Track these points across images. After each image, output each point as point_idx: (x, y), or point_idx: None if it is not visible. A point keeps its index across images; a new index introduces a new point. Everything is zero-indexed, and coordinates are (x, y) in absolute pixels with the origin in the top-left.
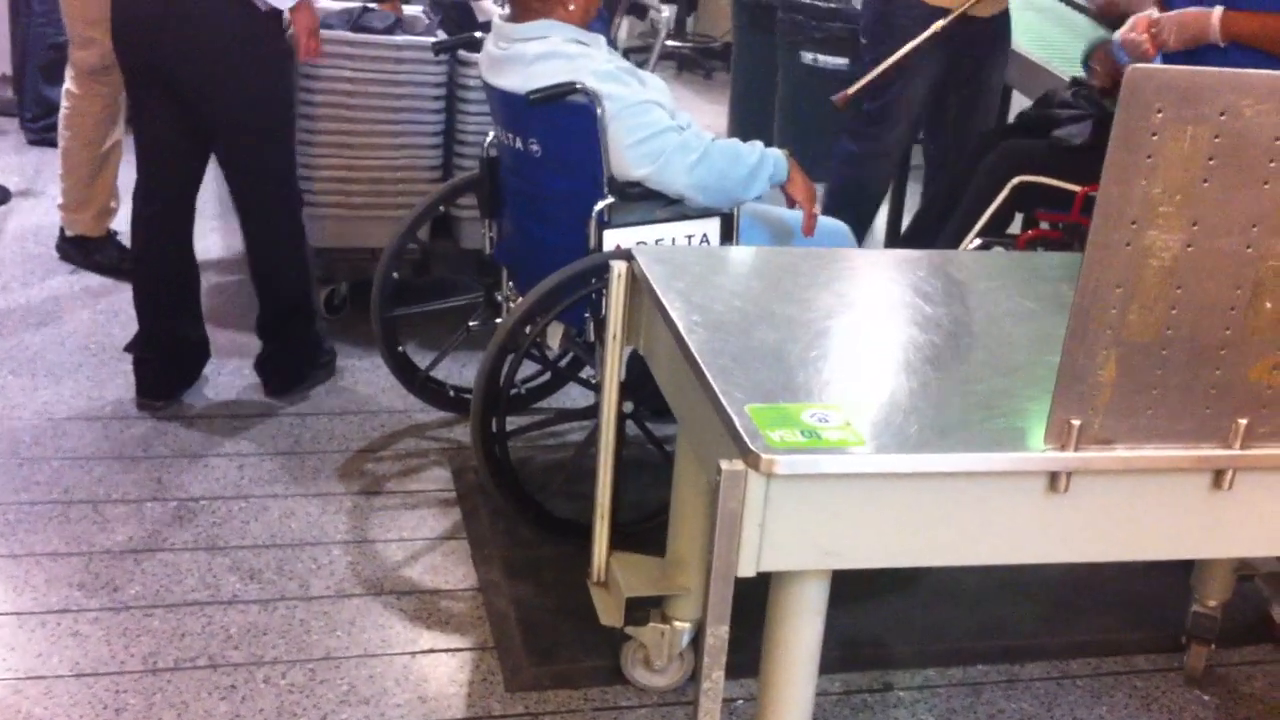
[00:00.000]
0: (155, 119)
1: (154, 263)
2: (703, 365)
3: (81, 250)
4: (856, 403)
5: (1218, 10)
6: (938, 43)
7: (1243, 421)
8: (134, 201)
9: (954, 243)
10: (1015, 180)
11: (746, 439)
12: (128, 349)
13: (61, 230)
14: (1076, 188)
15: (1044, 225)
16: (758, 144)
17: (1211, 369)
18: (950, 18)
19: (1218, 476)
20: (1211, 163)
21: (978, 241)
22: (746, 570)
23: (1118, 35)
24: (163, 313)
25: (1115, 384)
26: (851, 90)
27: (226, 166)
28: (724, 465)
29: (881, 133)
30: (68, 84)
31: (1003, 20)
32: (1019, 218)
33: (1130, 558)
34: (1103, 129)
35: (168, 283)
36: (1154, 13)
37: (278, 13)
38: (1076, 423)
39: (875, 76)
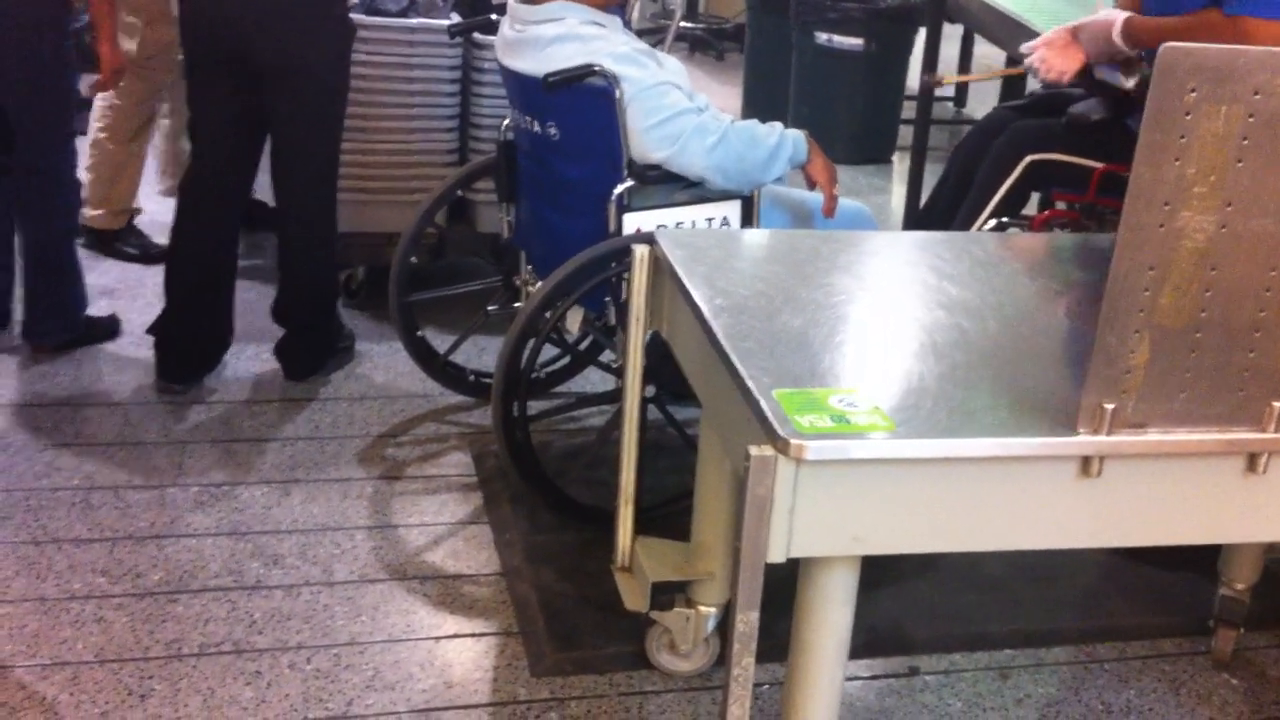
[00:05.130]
0: (213, 102)
1: (189, 245)
2: (729, 350)
3: (103, 241)
4: (883, 387)
5: (1120, 17)
6: None
7: (1277, 405)
8: (180, 183)
9: (967, 224)
10: (1029, 158)
11: (775, 424)
12: (150, 330)
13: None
14: (1093, 164)
15: (1060, 205)
16: (777, 125)
17: (1245, 352)
18: None
19: (1252, 460)
20: (1245, 142)
21: (992, 222)
22: (776, 556)
23: (1026, 50)
24: (190, 296)
25: (1148, 367)
26: (950, 78)
27: (278, 144)
28: (753, 451)
29: None
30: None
31: None
32: (1035, 198)
33: (1162, 542)
34: (1116, 106)
35: (200, 267)
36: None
37: None
38: (1109, 406)
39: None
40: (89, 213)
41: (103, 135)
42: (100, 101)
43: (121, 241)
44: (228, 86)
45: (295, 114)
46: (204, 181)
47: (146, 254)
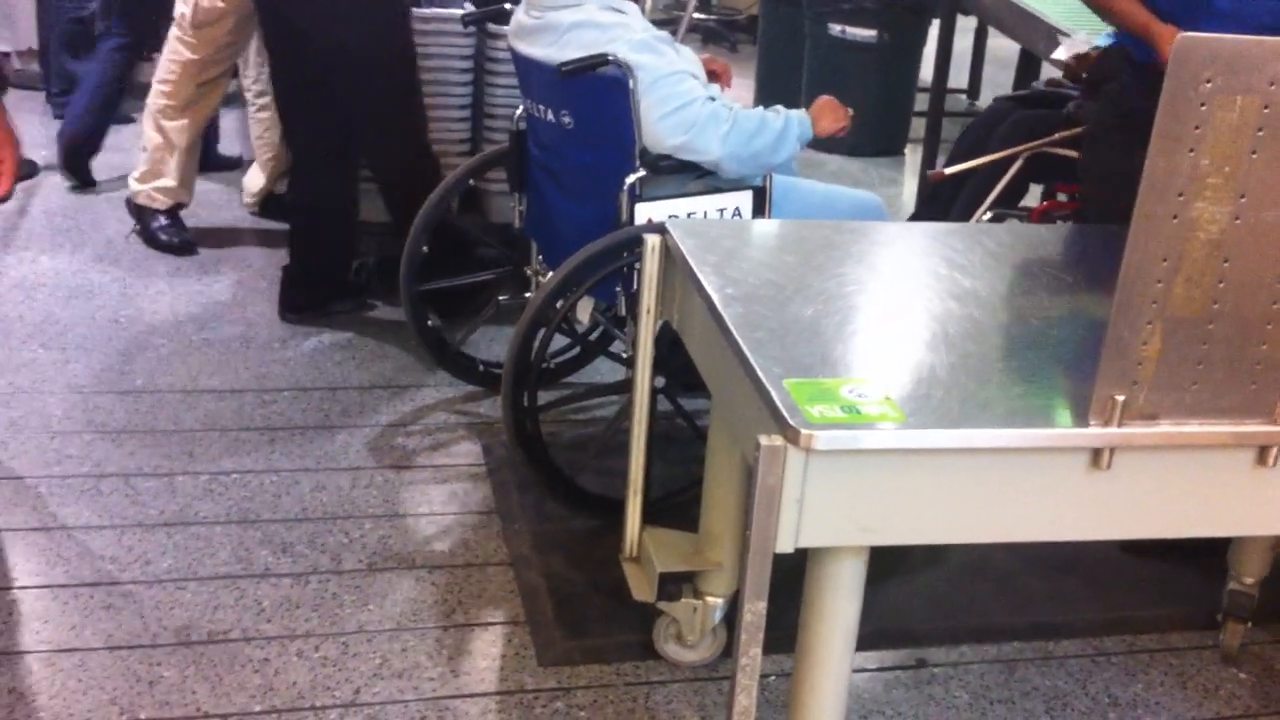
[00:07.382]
0: (285, 70)
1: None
2: (739, 340)
3: (140, 217)
4: (894, 377)
5: None
6: None
7: None
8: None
9: (966, 214)
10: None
11: (786, 414)
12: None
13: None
14: None
15: (1061, 197)
16: (780, 108)
17: (1257, 344)
18: None
19: (1262, 453)
20: (1260, 134)
21: (990, 214)
22: (784, 546)
23: None
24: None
25: (1160, 359)
26: (949, 170)
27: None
28: (763, 440)
29: None
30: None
31: None
32: (1037, 190)
33: (1172, 534)
34: (1112, 103)
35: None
36: None
37: None
38: (1120, 398)
39: (977, 165)
40: (134, 185)
41: (155, 112)
42: (158, 72)
43: (157, 225)
44: (289, 50)
45: (341, 81)
46: (289, 142)
47: (175, 246)
